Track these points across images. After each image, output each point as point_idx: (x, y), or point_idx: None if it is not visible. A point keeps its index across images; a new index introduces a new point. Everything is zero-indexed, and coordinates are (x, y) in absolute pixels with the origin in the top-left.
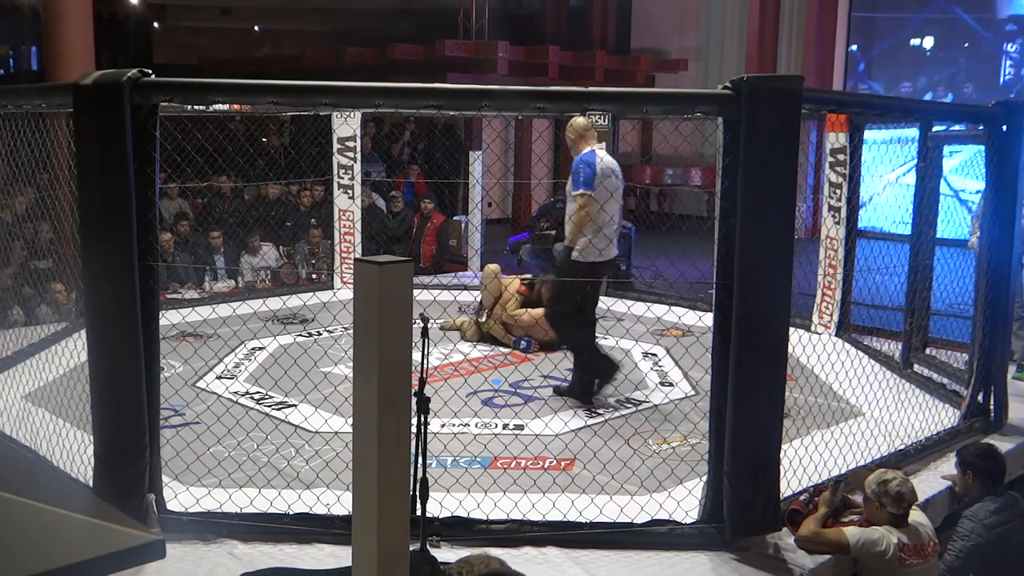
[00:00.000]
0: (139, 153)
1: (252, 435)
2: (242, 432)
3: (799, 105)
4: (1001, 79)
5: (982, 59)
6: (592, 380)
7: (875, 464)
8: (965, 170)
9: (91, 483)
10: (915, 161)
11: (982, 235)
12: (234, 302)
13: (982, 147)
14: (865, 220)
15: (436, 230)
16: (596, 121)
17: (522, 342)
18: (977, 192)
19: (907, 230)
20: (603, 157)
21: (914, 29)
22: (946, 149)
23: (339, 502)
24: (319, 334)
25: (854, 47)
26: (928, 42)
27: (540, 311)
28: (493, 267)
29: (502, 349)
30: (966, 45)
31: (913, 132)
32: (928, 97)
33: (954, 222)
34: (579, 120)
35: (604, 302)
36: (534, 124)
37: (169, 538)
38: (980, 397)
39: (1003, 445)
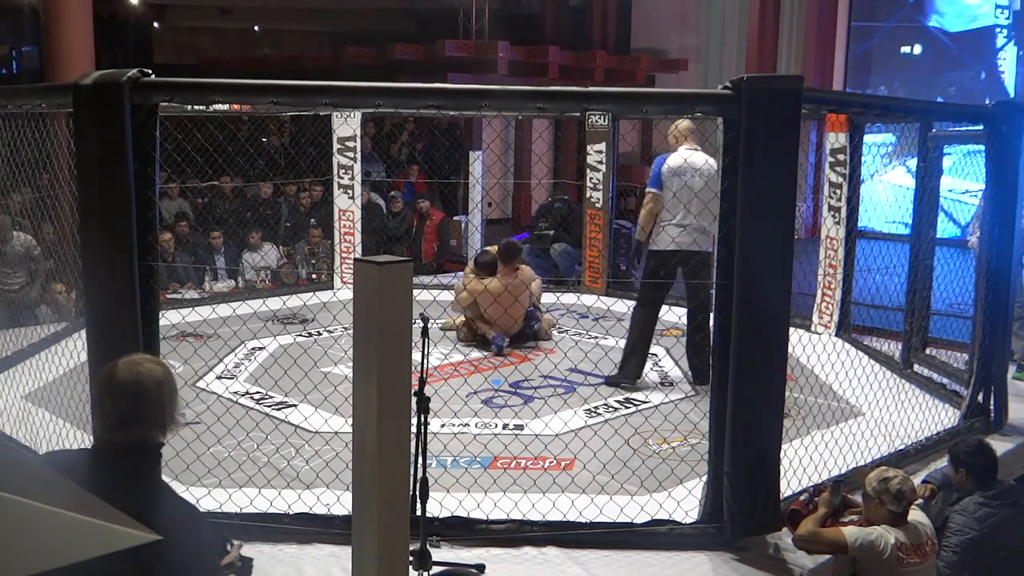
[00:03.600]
0: (139, 153)
1: (252, 435)
2: (242, 432)
3: (799, 105)
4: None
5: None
6: (629, 362)
7: (875, 464)
8: (955, 171)
9: None
10: (889, 163)
11: (982, 235)
12: (234, 302)
13: (973, 148)
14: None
15: (436, 227)
16: (692, 123)
17: (499, 339)
18: (965, 192)
19: (893, 230)
20: (673, 159)
21: (913, 36)
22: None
23: (339, 502)
24: (319, 334)
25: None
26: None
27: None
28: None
29: None
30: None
31: (886, 137)
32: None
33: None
34: (678, 123)
35: (604, 302)
36: (534, 124)
37: None
38: (980, 397)
39: (1003, 445)
